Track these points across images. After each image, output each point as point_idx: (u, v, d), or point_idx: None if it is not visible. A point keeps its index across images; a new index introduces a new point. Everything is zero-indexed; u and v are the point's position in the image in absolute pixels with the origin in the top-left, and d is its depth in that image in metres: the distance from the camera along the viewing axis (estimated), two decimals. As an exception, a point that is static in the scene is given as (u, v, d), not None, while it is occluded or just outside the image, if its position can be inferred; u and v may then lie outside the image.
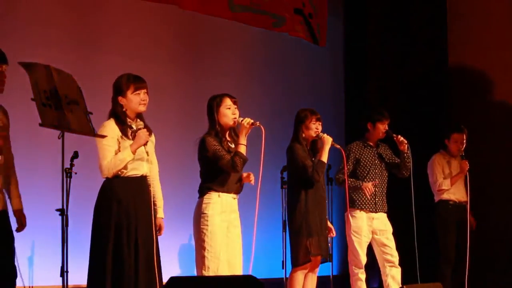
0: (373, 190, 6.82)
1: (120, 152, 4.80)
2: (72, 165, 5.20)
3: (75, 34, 6.98)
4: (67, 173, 5.15)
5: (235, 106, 5.56)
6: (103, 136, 4.81)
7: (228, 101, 5.55)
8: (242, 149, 5.41)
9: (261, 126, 5.41)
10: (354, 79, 9.83)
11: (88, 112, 4.75)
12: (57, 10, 6.90)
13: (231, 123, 5.54)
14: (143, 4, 7.38)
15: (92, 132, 4.72)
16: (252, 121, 5.45)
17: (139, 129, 4.87)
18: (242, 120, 5.47)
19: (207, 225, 5.40)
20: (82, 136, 4.77)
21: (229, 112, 5.53)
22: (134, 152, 4.80)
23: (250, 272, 5.38)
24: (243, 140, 5.44)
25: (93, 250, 4.83)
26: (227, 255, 5.44)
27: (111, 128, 4.86)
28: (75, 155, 5.26)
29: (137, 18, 7.54)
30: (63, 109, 4.52)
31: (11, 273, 4.36)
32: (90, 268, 4.84)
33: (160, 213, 5.15)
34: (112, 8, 7.33)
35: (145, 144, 4.85)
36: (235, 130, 5.60)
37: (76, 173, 5.18)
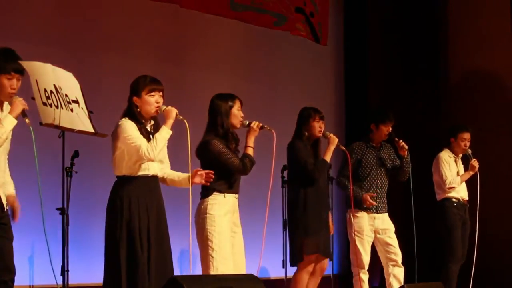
0: (374, 203, 6.82)
1: (157, 133, 4.78)
2: (72, 164, 5.20)
3: (75, 33, 6.97)
4: (68, 172, 5.14)
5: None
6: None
7: (239, 103, 5.54)
8: (251, 152, 5.45)
9: (272, 131, 5.41)
10: (355, 78, 9.82)
11: (88, 111, 4.74)
12: (57, 9, 6.89)
13: (238, 126, 5.53)
14: (143, 3, 7.37)
15: (93, 131, 4.71)
16: (261, 124, 5.46)
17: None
18: (251, 123, 5.46)
19: (215, 226, 5.37)
20: (82, 135, 4.76)
21: (239, 115, 5.52)
22: (169, 128, 4.80)
23: (258, 272, 5.38)
24: (251, 142, 5.46)
25: (107, 251, 4.79)
26: (233, 255, 5.43)
27: (131, 123, 4.80)
28: (76, 154, 5.26)
29: (137, 17, 7.53)
30: (63, 108, 4.51)
31: (12, 269, 4.38)
32: (106, 268, 4.80)
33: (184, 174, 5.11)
34: (112, 7, 7.32)
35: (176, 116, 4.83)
36: (235, 132, 5.58)
37: (76, 172, 5.17)
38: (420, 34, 9.95)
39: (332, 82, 9.77)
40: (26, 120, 4.41)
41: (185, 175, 5.07)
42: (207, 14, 7.78)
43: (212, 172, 5.13)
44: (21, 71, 4.37)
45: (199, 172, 5.07)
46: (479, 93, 9.70)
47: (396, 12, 9.99)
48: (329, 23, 9.28)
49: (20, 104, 4.35)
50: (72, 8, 6.99)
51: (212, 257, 5.33)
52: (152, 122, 4.94)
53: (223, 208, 5.41)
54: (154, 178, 4.91)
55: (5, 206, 4.39)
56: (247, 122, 5.49)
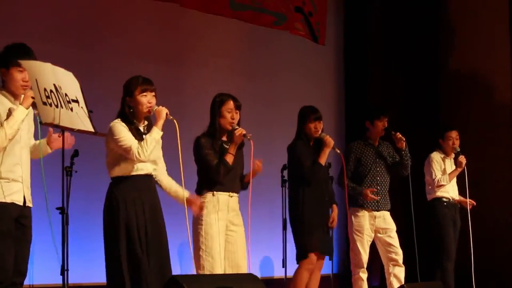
0: (375, 197, 6.82)
1: (148, 134, 4.77)
2: (72, 163, 5.19)
3: (76, 32, 6.97)
4: (67, 171, 5.14)
5: (236, 111, 5.54)
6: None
7: (230, 104, 5.52)
8: (229, 158, 5.43)
9: (251, 140, 5.39)
10: (355, 78, 9.82)
11: (88, 111, 4.74)
12: (58, 8, 6.89)
13: (228, 127, 5.52)
14: (143, 3, 7.37)
15: (93, 131, 4.70)
16: (244, 132, 5.44)
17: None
18: (235, 130, 5.45)
19: (202, 225, 5.40)
20: (82, 134, 4.75)
21: (228, 116, 5.51)
22: (160, 129, 4.78)
23: (249, 270, 5.38)
24: (232, 149, 5.46)
25: (107, 252, 4.81)
26: (229, 254, 5.43)
27: (121, 124, 4.83)
28: (76, 153, 5.25)
29: (137, 17, 7.53)
30: (63, 107, 4.50)
31: (24, 272, 4.40)
32: (108, 270, 4.82)
33: (186, 193, 5.10)
34: (113, 6, 7.32)
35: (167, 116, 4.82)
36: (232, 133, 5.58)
37: (76, 172, 5.17)
38: (420, 33, 9.96)
39: (332, 81, 9.77)
40: (35, 111, 4.46)
41: (181, 193, 5.05)
42: (207, 14, 7.78)
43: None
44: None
45: (198, 202, 5.15)
46: (478, 92, 9.70)
47: (396, 11, 10.00)
48: (329, 22, 9.29)
49: (32, 95, 4.39)
50: (72, 7, 6.99)
51: (200, 255, 5.36)
52: (146, 122, 4.94)
53: (211, 206, 5.41)
54: (148, 177, 4.91)
55: (28, 203, 4.41)
56: (236, 127, 5.48)
